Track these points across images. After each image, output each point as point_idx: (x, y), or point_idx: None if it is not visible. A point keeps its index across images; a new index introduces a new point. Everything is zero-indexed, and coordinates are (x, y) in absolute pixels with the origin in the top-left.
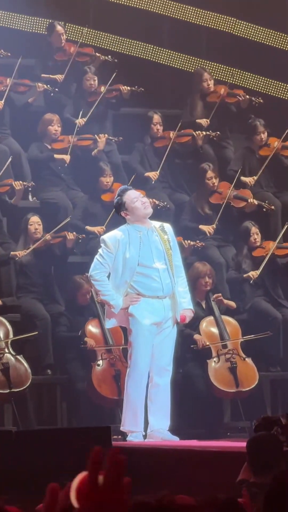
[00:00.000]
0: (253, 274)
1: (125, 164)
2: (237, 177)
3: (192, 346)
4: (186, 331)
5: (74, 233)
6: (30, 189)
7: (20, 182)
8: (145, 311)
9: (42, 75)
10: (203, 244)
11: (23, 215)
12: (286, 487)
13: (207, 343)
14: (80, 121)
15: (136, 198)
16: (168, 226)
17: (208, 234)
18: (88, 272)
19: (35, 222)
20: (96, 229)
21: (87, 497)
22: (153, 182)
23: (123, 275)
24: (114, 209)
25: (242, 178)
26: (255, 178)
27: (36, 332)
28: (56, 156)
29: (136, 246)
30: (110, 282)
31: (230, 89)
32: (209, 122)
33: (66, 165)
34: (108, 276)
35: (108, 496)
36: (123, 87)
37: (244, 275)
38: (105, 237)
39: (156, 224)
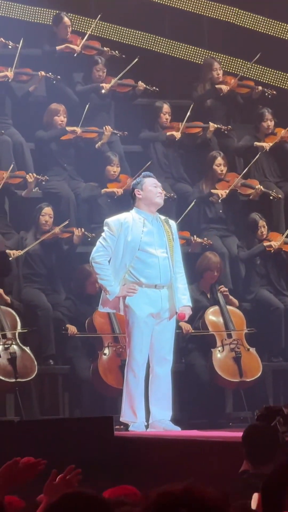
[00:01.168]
0: (274, 244)
1: (127, 155)
2: (245, 168)
3: (177, 331)
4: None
5: (82, 229)
6: (43, 182)
7: (33, 174)
8: (142, 303)
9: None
10: (211, 242)
11: (24, 205)
12: (285, 478)
13: (192, 331)
14: (106, 85)
15: (155, 184)
16: (172, 222)
17: (220, 196)
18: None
19: (47, 213)
20: (115, 189)
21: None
22: (176, 139)
23: (123, 258)
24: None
25: (257, 144)
26: (270, 144)
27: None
28: (68, 128)
29: (139, 230)
30: (110, 266)
31: (240, 80)
32: (227, 88)
33: (74, 137)
34: (109, 262)
35: None
36: (139, 83)
37: (265, 243)
38: (109, 220)
39: (161, 216)
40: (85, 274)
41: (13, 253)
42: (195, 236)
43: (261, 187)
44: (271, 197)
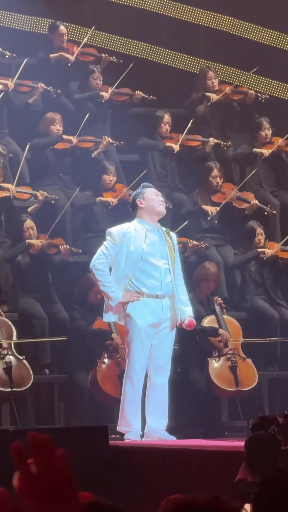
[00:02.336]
0: (268, 251)
1: (124, 164)
2: (244, 180)
3: (217, 339)
4: (209, 328)
5: (67, 246)
6: (53, 202)
7: (44, 192)
8: (143, 312)
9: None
10: (207, 245)
11: (19, 214)
12: (276, 486)
13: (231, 339)
14: (106, 94)
15: (156, 194)
16: (173, 234)
17: (211, 214)
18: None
19: (29, 227)
20: (109, 199)
21: (31, 492)
22: (174, 152)
23: (125, 268)
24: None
25: (256, 150)
26: (269, 151)
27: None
28: (64, 136)
29: (141, 240)
30: (112, 276)
31: (235, 88)
32: (217, 96)
33: (71, 146)
34: (109, 270)
35: (50, 478)
36: (137, 92)
37: (259, 250)
38: (111, 229)
39: (163, 227)
40: (89, 283)
41: (37, 244)
42: (191, 240)
43: (257, 202)
44: (265, 213)
